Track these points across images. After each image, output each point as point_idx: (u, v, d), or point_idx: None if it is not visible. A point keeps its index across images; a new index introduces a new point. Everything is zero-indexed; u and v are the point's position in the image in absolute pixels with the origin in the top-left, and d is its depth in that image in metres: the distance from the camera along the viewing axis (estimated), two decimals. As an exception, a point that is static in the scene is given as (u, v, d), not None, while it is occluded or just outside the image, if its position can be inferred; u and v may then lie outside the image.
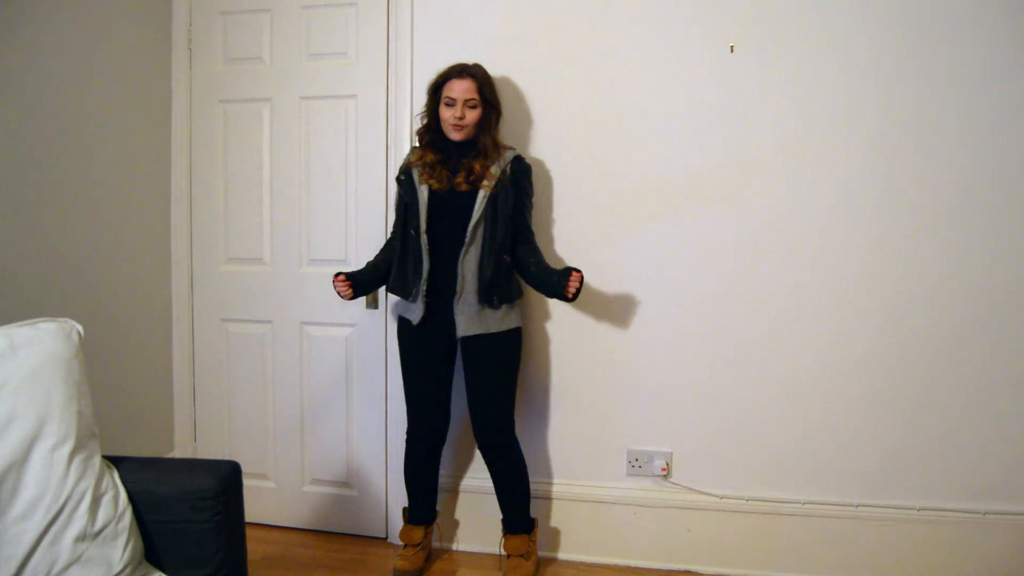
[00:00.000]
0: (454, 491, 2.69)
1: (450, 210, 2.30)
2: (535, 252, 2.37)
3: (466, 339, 2.33)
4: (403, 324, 2.43)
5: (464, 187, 2.29)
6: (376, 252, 2.52)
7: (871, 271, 2.40)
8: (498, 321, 2.34)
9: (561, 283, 2.20)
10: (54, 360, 1.52)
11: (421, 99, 2.59)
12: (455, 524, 2.69)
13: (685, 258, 2.50)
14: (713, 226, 2.47)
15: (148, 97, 2.73)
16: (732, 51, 2.41)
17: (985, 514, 2.36)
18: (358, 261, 2.69)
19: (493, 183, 2.28)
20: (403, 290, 2.36)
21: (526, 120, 2.56)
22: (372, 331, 2.72)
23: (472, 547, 2.67)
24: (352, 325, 2.74)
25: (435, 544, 2.65)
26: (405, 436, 2.49)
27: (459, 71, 2.30)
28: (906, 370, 2.40)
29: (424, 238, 2.29)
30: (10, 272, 2.15)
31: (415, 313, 2.35)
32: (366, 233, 2.70)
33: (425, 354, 2.40)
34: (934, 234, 2.36)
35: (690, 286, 2.50)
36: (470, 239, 2.27)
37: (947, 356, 2.38)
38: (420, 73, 2.61)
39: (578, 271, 2.19)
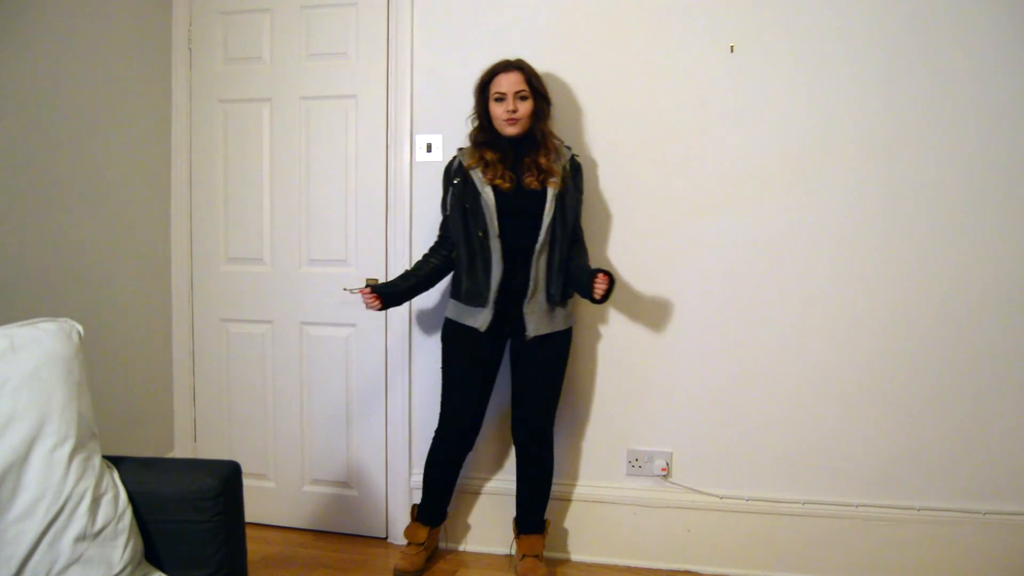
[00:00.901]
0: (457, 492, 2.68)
1: (516, 210, 2.25)
2: (583, 252, 2.36)
3: (530, 338, 2.30)
4: (456, 328, 2.36)
5: (535, 185, 2.25)
6: (373, 252, 2.48)
7: (874, 273, 2.39)
8: (562, 319, 2.33)
9: (590, 285, 2.15)
10: (54, 360, 1.52)
11: (421, 99, 2.61)
12: (458, 524, 2.69)
13: (684, 261, 2.50)
14: (715, 229, 2.47)
15: (148, 97, 2.73)
16: (732, 51, 2.42)
17: (985, 514, 2.36)
18: (358, 261, 2.69)
19: (559, 180, 2.26)
20: (478, 297, 2.27)
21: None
22: (372, 331, 2.72)
23: (472, 547, 2.67)
24: (352, 325, 2.73)
25: (439, 545, 2.64)
26: (434, 436, 2.44)
27: (504, 66, 2.27)
28: (907, 372, 2.40)
29: (497, 242, 2.24)
30: (10, 272, 2.15)
31: (480, 319, 2.28)
32: (366, 233, 2.70)
33: (480, 359, 2.35)
34: (940, 237, 2.35)
35: (690, 288, 2.50)
36: (544, 239, 2.24)
37: (949, 358, 2.38)
38: (420, 73, 2.61)
39: (605, 273, 2.11)
